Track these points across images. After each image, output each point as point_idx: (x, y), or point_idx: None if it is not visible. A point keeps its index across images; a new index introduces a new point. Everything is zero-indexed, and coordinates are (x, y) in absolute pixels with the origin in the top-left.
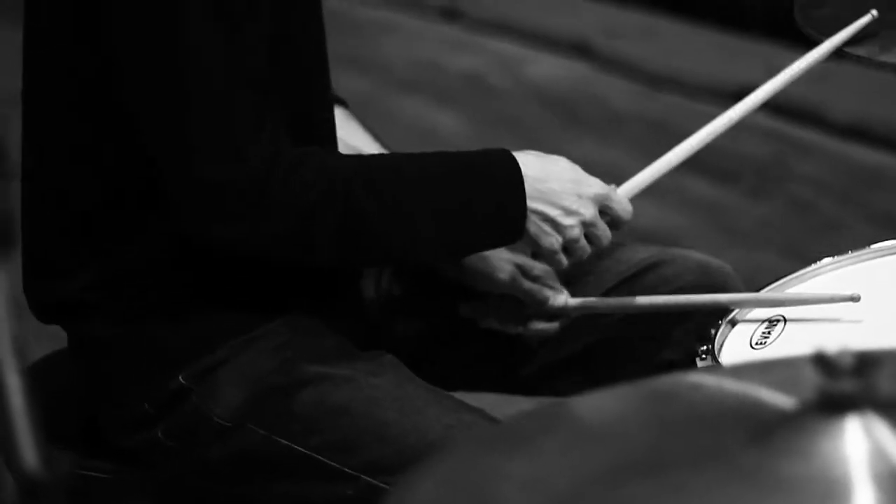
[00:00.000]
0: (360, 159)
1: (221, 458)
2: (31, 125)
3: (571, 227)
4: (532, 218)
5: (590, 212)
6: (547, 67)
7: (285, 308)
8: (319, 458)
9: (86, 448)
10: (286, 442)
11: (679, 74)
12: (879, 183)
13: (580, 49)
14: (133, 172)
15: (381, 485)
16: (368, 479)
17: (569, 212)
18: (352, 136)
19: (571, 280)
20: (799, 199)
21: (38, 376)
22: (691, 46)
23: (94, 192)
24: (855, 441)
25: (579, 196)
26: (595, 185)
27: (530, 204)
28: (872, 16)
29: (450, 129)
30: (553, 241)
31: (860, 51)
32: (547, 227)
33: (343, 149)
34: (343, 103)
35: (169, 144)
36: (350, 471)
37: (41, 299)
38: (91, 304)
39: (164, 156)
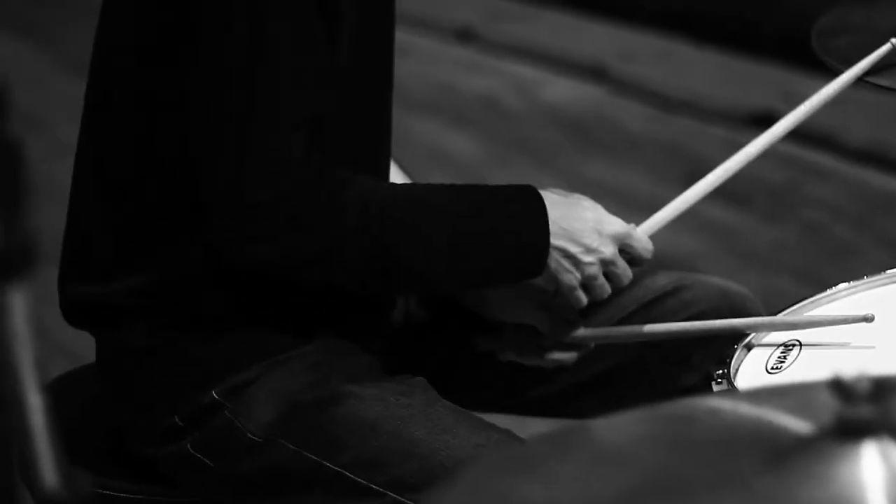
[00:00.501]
0: (392, 188)
1: (250, 473)
2: (89, 130)
3: (590, 264)
4: (553, 254)
5: (609, 250)
6: (561, 90)
7: (320, 331)
8: (348, 474)
9: (106, 467)
10: (316, 458)
11: (693, 98)
12: (894, 208)
13: (595, 72)
14: (183, 183)
15: (408, 502)
16: (395, 496)
17: (589, 249)
18: None
19: (592, 305)
20: (813, 224)
21: (56, 394)
22: (706, 70)
23: (143, 199)
24: (871, 466)
25: (600, 234)
26: (615, 224)
27: (552, 241)
28: (892, 45)
29: (464, 151)
30: (572, 277)
31: (882, 81)
32: (567, 264)
33: None
34: None
35: (221, 160)
36: (377, 487)
37: (76, 301)
38: (128, 311)
39: (212, 170)
